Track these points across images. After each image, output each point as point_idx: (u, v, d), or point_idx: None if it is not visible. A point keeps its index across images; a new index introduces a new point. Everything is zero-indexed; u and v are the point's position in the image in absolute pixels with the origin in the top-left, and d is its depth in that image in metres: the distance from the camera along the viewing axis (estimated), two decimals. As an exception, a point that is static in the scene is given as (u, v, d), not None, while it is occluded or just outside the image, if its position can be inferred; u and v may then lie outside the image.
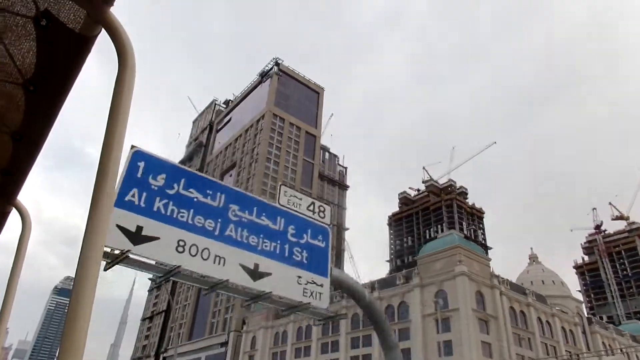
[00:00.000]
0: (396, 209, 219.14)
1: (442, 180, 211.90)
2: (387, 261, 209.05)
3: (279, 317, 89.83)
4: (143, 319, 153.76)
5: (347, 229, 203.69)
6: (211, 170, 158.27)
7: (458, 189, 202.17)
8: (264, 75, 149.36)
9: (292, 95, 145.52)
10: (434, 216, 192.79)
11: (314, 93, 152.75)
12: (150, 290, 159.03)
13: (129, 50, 1.83)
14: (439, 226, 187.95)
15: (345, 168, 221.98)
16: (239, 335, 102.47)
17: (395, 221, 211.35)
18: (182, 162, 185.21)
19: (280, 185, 18.28)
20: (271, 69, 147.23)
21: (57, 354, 1.64)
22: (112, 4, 1.67)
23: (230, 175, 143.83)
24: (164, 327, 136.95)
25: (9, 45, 1.89)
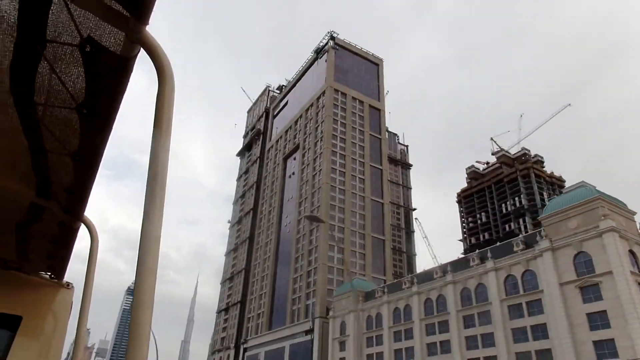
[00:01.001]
0: (464, 185, 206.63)
1: (513, 151, 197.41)
2: (460, 240, 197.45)
3: (369, 298, 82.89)
4: (218, 311, 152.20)
5: (415, 209, 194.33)
6: (272, 156, 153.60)
7: (533, 157, 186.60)
8: (319, 52, 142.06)
9: (351, 69, 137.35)
10: (509, 188, 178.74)
11: (373, 65, 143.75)
12: (223, 283, 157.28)
13: (166, 66, 1.96)
14: (517, 199, 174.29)
15: (406, 146, 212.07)
16: (325, 322, 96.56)
17: (464, 198, 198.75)
18: (241, 152, 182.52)
19: None
20: (326, 43, 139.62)
21: (126, 354, 1.72)
22: (147, 24, 1.78)
23: (295, 159, 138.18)
24: (240, 318, 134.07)
25: (61, 74, 2.04)
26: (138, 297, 1.78)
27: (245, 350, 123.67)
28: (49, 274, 4.23)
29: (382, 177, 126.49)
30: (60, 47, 1.96)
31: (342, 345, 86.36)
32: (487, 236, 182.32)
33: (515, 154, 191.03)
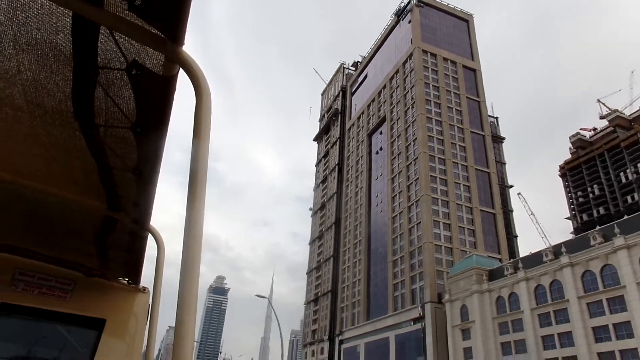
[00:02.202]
0: (565, 157, 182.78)
1: (627, 112, 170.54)
2: (567, 218, 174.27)
3: (496, 277, 68.75)
4: (307, 303, 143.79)
5: (511, 186, 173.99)
6: (354, 134, 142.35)
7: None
8: (400, 13, 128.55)
9: (439, 28, 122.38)
10: (628, 154, 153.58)
11: (463, 21, 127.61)
12: (309, 272, 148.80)
13: (202, 81, 2.07)
14: (639, 164, 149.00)
15: (496, 118, 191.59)
16: (438, 307, 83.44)
17: (570, 170, 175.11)
18: (318, 136, 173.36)
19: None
20: (408, 3, 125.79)
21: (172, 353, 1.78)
22: (182, 44, 1.94)
23: (381, 133, 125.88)
24: (333, 308, 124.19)
25: (114, 97, 2.25)
26: (182, 299, 1.78)
27: (341, 342, 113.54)
28: (127, 279, 4.44)
29: (485, 143, 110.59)
30: (111, 72, 2.14)
31: (466, 333, 72.87)
32: (602, 211, 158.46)
33: (632, 114, 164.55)
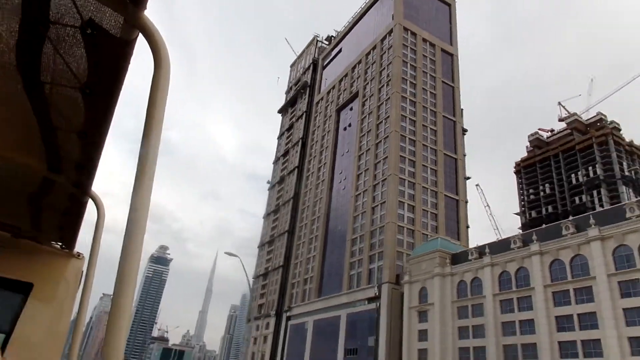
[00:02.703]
0: (523, 155, 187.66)
1: (583, 117, 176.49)
2: (517, 214, 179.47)
3: (460, 261, 67.28)
4: (256, 277, 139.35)
5: (469, 177, 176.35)
6: (322, 109, 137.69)
7: (609, 123, 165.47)
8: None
9: (422, 7, 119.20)
10: (581, 157, 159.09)
11: (445, 5, 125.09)
12: (261, 247, 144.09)
13: (162, 52, 2.02)
14: (590, 168, 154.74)
15: (461, 109, 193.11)
16: (395, 288, 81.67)
17: (525, 168, 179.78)
18: (284, 108, 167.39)
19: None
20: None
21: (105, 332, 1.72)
22: (144, 9, 1.89)
23: (351, 109, 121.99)
24: (283, 283, 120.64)
25: (64, 54, 2.15)
26: (123, 268, 1.72)
27: (289, 318, 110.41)
28: (60, 244, 4.26)
29: (456, 129, 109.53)
30: (63, 29, 2.03)
31: (423, 316, 71.36)
32: (551, 209, 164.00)
33: (588, 119, 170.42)
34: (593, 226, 52.63)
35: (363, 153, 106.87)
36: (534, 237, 59.40)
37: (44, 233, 4.15)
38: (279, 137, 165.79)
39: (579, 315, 51.23)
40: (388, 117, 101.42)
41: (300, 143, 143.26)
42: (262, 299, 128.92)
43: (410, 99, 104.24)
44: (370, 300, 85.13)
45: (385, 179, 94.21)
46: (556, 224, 62.72)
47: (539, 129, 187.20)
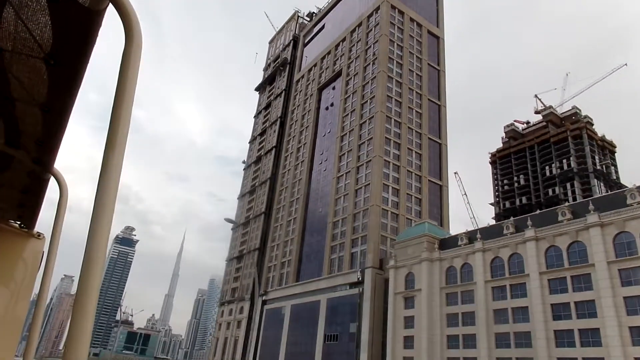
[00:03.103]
0: (498, 145, 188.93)
1: (558, 111, 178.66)
2: (491, 204, 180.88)
3: (448, 246, 64.99)
4: (229, 259, 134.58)
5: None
6: (303, 87, 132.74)
7: (583, 118, 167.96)
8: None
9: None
10: (555, 150, 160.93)
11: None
12: (235, 228, 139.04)
13: (134, 23, 1.93)
14: (564, 161, 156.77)
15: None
16: (379, 273, 79.10)
17: (500, 159, 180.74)
18: (261, 86, 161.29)
19: None
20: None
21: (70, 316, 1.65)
22: None
23: (333, 88, 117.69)
24: (259, 267, 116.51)
25: (27, 21, 2.01)
26: (90, 249, 1.64)
27: (264, 302, 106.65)
28: (19, 223, 4.05)
29: (441, 114, 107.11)
30: None
31: (409, 302, 68.98)
32: (524, 200, 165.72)
33: (563, 113, 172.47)
34: (592, 212, 51.00)
35: (346, 134, 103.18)
36: (529, 222, 57.51)
37: (1, 211, 3.81)
38: (256, 116, 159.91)
39: (576, 303, 49.75)
40: (373, 96, 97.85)
41: (278, 122, 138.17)
42: (236, 283, 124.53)
43: (396, 80, 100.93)
44: (352, 285, 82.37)
45: (370, 160, 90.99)
46: (552, 209, 61.18)
47: (515, 121, 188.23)
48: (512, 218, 63.93)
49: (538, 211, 68.01)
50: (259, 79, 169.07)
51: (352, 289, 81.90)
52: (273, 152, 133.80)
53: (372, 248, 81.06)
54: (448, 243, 68.98)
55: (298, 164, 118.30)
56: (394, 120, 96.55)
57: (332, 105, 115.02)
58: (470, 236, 66.31)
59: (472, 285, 61.24)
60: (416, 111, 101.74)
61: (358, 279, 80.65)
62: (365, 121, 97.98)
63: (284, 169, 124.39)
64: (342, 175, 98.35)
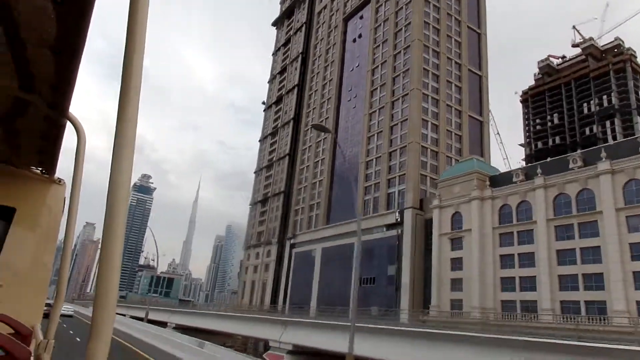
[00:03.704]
0: (530, 83, 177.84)
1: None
2: (521, 145, 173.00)
3: (500, 184, 59.20)
4: (253, 203, 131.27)
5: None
6: (326, 19, 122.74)
7: (627, 50, 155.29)
8: None
9: None
10: (594, 85, 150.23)
11: None
12: (258, 172, 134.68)
13: None
14: (604, 97, 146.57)
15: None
16: (419, 214, 74.33)
17: (533, 96, 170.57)
18: (279, 20, 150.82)
19: None
20: None
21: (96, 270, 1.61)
22: None
23: (361, 17, 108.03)
24: (285, 210, 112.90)
25: None
26: (113, 196, 1.59)
27: (293, 246, 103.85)
28: (40, 169, 4.04)
29: (481, 43, 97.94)
30: None
31: (457, 243, 64.44)
32: (558, 140, 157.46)
33: (604, 45, 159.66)
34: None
35: (377, 66, 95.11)
36: (603, 153, 51.13)
37: (22, 157, 3.81)
38: (274, 54, 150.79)
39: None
40: (409, 23, 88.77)
41: (300, 59, 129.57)
42: (262, 226, 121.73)
43: (433, 4, 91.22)
44: (389, 227, 78.02)
45: (407, 94, 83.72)
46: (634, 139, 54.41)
47: (550, 56, 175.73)
48: (579, 151, 57.56)
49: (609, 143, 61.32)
50: (269, 17, 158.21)
51: (390, 230, 77.62)
52: (295, 90, 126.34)
53: (412, 187, 75.80)
54: (500, 180, 63.22)
55: (324, 102, 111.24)
56: (432, 49, 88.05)
57: (360, 36, 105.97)
58: (528, 172, 60.35)
59: (531, 225, 56.06)
60: (455, 40, 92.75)
61: (396, 220, 76.12)
62: (400, 51, 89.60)
63: (308, 108, 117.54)
64: (375, 111, 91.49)
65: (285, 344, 32.16)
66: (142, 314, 61.33)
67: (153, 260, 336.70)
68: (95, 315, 1.49)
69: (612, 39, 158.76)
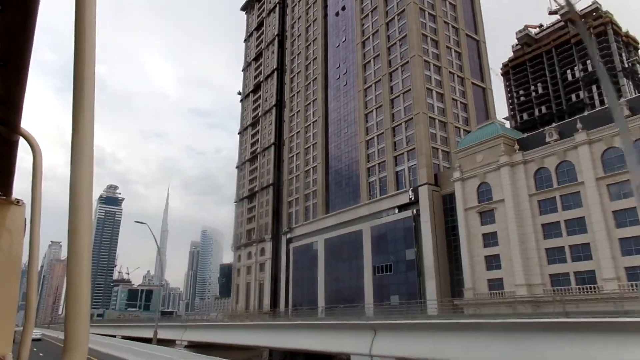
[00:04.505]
0: (509, 55, 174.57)
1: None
2: (506, 118, 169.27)
3: (532, 146, 52.79)
4: (239, 200, 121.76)
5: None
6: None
7: (604, 13, 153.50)
8: None
9: None
10: (577, 51, 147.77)
11: None
12: (240, 166, 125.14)
13: None
14: (588, 62, 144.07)
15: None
16: (435, 190, 67.35)
17: (514, 68, 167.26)
18: (248, 4, 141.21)
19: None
20: None
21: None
22: None
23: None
24: (276, 203, 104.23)
25: None
26: (74, 212, 1.52)
27: (289, 240, 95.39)
28: None
29: (474, 5, 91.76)
30: None
31: (487, 216, 57.70)
32: (544, 110, 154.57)
33: (582, 10, 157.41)
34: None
35: (368, 38, 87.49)
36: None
37: None
38: (246, 40, 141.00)
39: None
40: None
41: (276, 41, 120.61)
42: (251, 224, 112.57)
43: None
44: (402, 207, 70.78)
45: (407, 62, 76.47)
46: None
47: (527, 26, 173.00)
48: (622, 99, 51.59)
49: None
50: (233, 20, 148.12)
51: (403, 211, 70.36)
52: (275, 75, 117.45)
53: (424, 162, 68.68)
54: (530, 142, 56.79)
55: (309, 83, 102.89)
56: (428, 13, 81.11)
57: (343, 9, 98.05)
58: (562, 130, 54.06)
59: (577, 186, 49.76)
60: (449, 3, 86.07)
61: (410, 199, 68.91)
62: (393, 18, 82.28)
63: (291, 92, 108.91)
64: (370, 86, 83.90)
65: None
66: (137, 333, 51.73)
67: (128, 274, 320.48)
68: (68, 326, 1.41)
69: (590, 3, 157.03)
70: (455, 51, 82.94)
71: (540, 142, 55.20)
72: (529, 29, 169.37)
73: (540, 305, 47.26)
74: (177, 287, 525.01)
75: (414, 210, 67.96)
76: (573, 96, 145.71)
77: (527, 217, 53.24)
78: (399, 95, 76.98)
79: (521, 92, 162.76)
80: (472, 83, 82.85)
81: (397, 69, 78.74)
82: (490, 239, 56.37)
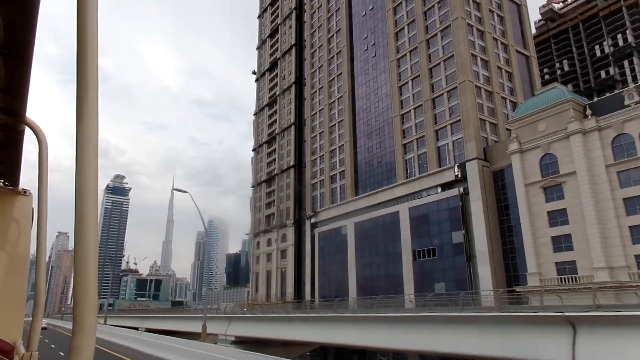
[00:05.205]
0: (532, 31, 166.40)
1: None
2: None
3: (610, 110, 46.13)
4: (256, 185, 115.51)
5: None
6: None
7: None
8: None
9: None
10: (606, 25, 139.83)
11: None
12: (257, 149, 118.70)
13: None
14: (619, 36, 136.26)
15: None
16: (485, 166, 60.88)
17: (537, 45, 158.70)
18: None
19: None
20: None
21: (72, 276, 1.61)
22: None
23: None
24: (297, 186, 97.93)
25: None
26: (81, 200, 1.53)
27: (314, 225, 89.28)
28: (2, 181, 3.78)
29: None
30: None
31: (553, 192, 51.22)
32: (571, 88, 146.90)
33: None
34: None
35: (400, 3, 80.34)
36: None
37: None
38: (260, 16, 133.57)
39: None
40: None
41: (293, 15, 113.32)
42: (270, 209, 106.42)
43: None
44: (445, 186, 64.41)
45: (448, 26, 69.50)
46: None
47: (550, 0, 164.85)
48: None
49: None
50: (236, 5, 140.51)
51: (447, 190, 63.98)
52: (293, 51, 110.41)
53: (473, 134, 62.06)
54: (603, 107, 50.07)
55: (332, 57, 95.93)
56: (468, -27, 73.86)
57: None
58: (643, 91, 47.36)
59: (668, 153, 43.21)
60: (489, -37, 78.73)
61: (456, 176, 62.44)
62: (429, -21, 75.07)
63: (312, 68, 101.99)
64: (404, 55, 76.99)
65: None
66: (163, 325, 45.72)
67: (135, 264, 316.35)
68: (76, 311, 1.44)
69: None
70: (498, 15, 75.86)
71: (616, 106, 48.54)
72: (552, 3, 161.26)
73: (623, 292, 41.09)
74: (183, 277, 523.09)
75: (461, 189, 61.55)
76: (602, 72, 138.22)
77: (604, 191, 46.78)
78: (438, 63, 70.12)
79: (546, 70, 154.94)
80: (517, 51, 75.86)
81: (435, 34, 71.77)
82: (558, 217, 49.99)
